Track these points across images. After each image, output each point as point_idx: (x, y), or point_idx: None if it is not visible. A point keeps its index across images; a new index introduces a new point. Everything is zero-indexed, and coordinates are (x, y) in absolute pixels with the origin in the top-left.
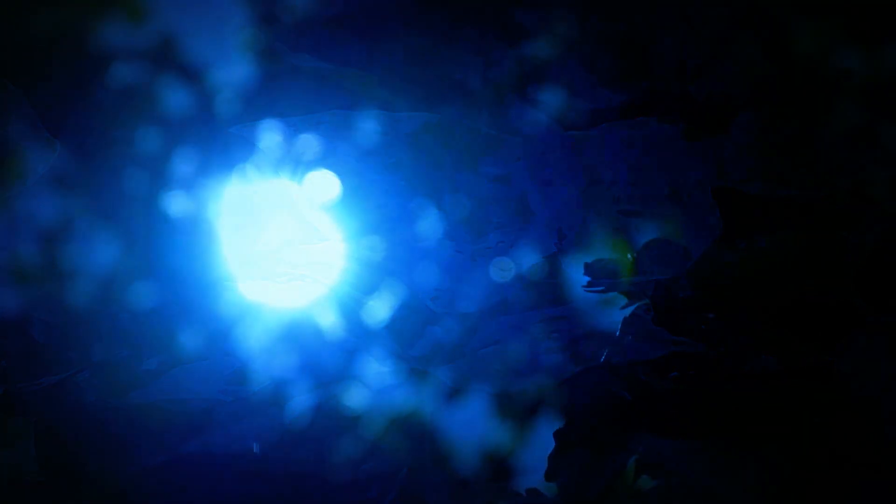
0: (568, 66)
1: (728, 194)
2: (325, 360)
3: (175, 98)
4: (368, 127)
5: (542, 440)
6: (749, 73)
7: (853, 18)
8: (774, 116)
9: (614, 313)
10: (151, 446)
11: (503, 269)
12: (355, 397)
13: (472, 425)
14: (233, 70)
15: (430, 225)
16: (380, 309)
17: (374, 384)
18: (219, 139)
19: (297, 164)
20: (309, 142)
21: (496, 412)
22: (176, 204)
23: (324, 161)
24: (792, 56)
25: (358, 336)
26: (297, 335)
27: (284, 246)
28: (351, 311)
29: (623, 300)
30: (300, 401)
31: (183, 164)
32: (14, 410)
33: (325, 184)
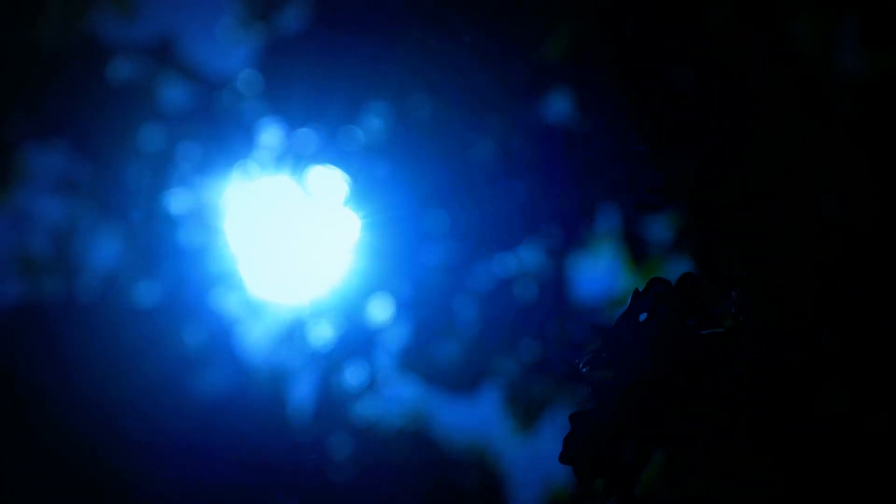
0: (580, 68)
1: None
2: (330, 361)
3: (176, 96)
4: (374, 123)
5: (547, 439)
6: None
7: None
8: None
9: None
10: (151, 444)
11: (510, 267)
12: (360, 398)
13: (479, 425)
14: (236, 66)
15: (436, 223)
16: (386, 308)
17: (379, 384)
18: (222, 136)
19: (301, 161)
20: (313, 137)
21: (505, 411)
22: (178, 202)
23: (329, 158)
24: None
25: (362, 336)
26: (301, 334)
27: (289, 244)
28: (356, 310)
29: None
30: (302, 401)
31: (185, 161)
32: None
33: (329, 180)
